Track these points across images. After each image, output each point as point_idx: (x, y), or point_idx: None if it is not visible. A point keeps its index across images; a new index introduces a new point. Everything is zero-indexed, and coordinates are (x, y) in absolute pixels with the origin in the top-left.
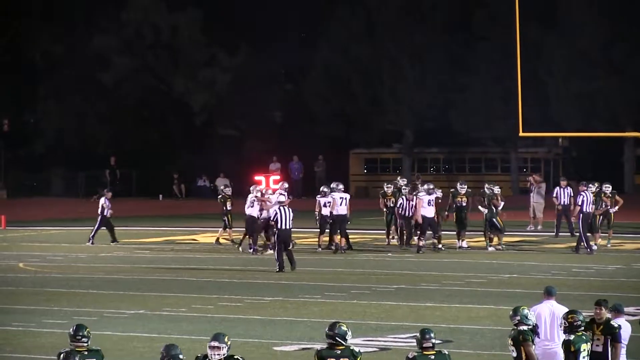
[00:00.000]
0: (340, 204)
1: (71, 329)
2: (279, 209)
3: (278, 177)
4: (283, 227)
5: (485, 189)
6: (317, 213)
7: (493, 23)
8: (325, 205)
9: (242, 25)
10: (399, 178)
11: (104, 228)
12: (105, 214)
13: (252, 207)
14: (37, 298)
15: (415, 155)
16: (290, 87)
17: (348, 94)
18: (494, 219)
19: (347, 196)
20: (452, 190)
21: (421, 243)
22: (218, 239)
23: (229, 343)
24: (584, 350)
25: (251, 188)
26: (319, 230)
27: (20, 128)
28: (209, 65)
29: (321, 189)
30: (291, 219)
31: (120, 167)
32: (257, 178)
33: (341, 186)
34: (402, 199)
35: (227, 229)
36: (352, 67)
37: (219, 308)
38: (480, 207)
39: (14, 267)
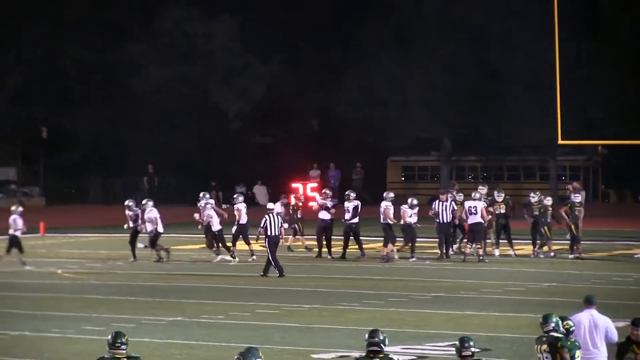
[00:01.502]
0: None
1: (110, 336)
2: (268, 215)
3: (316, 185)
4: (272, 233)
5: (530, 198)
6: (343, 221)
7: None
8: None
9: (276, 32)
10: (479, 187)
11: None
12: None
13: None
14: (76, 305)
15: (453, 163)
16: (325, 94)
17: (381, 102)
18: (544, 227)
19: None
20: (489, 198)
21: (467, 250)
22: (290, 246)
23: None
24: (578, 357)
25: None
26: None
27: (58, 135)
28: (243, 73)
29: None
30: (280, 225)
31: (158, 174)
32: (294, 185)
33: (353, 194)
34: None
35: (298, 236)
36: (382, 76)
37: (256, 315)
38: (526, 215)
39: (52, 274)
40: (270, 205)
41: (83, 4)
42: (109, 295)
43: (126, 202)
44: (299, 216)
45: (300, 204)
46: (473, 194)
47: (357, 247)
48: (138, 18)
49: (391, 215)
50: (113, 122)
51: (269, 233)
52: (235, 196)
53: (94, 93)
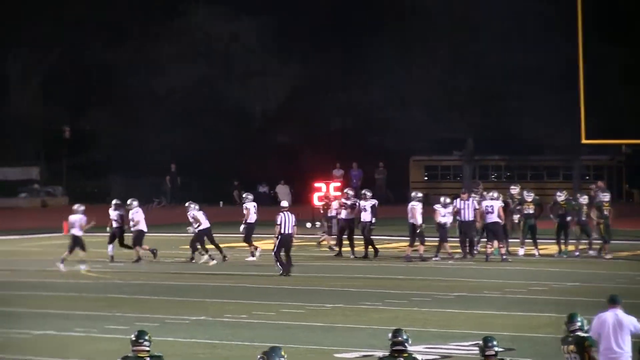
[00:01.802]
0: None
1: (133, 335)
2: (283, 213)
3: (339, 184)
4: (285, 231)
5: (557, 197)
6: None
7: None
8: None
9: (299, 32)
10: (511, 187)
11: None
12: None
13: None
14: (99, 304)
15: (476, 162)
16: (348, 94)
17: (403, 102)
18: (578, 226)
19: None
20: (518, 197)
21: (489, 250)
22: (320, 242)
23: None
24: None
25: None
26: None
27: (80, 135)
28: (266, 72)
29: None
30: (293, 224)
31: (180, 174)
32: (317, 185)
33: (369, 193)
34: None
35: (326, 235)
36: (405, 76)
37: (280, 315)
38: (552, 215)
39: (76, 273)
40: (284, 204)
41: (103, 5)
42: (132, 295)
43: (113, 202)
44: (330, 215)
45: (332, 203)
46: (489, 194)
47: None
48: (159, 18)
49: (417, 215)
50: (135, 121)
51: (282, 231)
52: (244, 195)
53: (116, 93)
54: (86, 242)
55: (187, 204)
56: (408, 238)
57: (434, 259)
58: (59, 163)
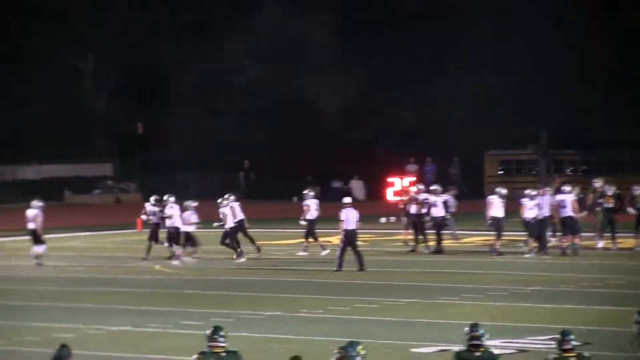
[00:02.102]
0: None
1: (208, 331)
2: (346, 210)
3: (413, 179)
4: (349, 227)
5: (633, 190)
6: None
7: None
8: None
9: (373, 27)
10: (593, 180)
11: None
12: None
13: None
14: (174, 300)
15: (551, 156)
16: (421, 88)
17: (476, 95)
18: None
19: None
20: (600, 191)
21: (564, 244)
22: (405, 240)
23: None
24: None
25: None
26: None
27: (154, 131)
28: (340, 68)
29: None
30: (357, 219)
31: (254, 170)
32: (390, 180)
33: (440, 189)
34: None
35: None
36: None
37: (355, 309)
38: (629, 209)
39: (150, 269)
40: (346, 200)
41: (178, 2)
42: (206, 290)
43: (151, 198)
44: (413, 211)
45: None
46: (562, 188)
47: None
48: (233, 14)
49: (492, 209)
50: (209, 118)
51: (345, 227)
52: (305, 192)
53: (191, 89)
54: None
55: (219, 200)
56: (482, 232)
57: (525, 255)
58: (133, 159)
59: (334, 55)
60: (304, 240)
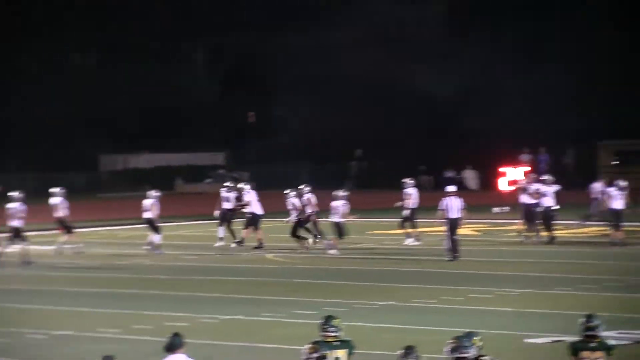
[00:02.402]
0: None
1: (321, 320)
2: (448, 198)
3: (527, 169)
4: (452, 215)
5: None
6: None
7: None
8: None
9: (485, 13)
10: None
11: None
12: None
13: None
14: (286, 289)
15: None
16: (532, 76)
17: (591, 83)
18: None
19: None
20: None
21: None
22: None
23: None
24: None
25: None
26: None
27: (266, 120)
28: (452, 55)
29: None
30: (460, 208)
31: (366, 159)
32: (503, 169)
33: (551, 179)
34: None
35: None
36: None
37: (469, 300)
38: None
39: (262, 259)
40: (450, 188)
41: None
42: (319, 280)
43: (225, 184)
44: (525, 201)
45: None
46: None
47: (553, 230)
48: (345, 2)
49: (610, 201)
50: (321, 107)
51: (448, 215)
52: (405, 181)
53: (303, 78)
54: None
55: (286, 191)
56: (595, 223)
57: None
58: (245, 148)
59: (448, 42)
60: (405, 229)
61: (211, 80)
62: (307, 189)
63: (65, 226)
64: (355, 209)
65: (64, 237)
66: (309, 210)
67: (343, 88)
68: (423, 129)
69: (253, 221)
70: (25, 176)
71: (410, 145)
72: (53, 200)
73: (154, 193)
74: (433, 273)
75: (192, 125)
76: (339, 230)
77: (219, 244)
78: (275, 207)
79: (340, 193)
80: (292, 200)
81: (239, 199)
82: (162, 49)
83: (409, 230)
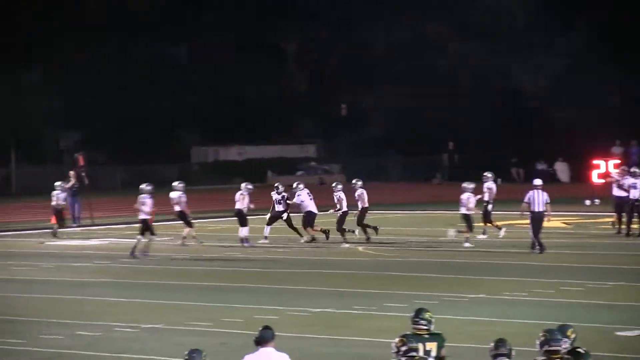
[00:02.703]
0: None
1: (412, 313)
2: (533, 191)
3: (618, 161)
4: (536, 209)
5: None
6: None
7: None
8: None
9: (579, 6)
10: None
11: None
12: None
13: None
14: (378, 282)
15: None
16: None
17: None
18: None
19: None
20: None
21: None
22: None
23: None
24: None
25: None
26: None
27: (358, 112)
28: (544, 48)
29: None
30: (545, 201)
31: (459, 151)
32: (595, 162)
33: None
34: None
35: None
36: None
37: (559, 292)
38: None
39: (353, 251)
40: (537, 182)
41: None
42: (410, 272)
43: (276, 185)
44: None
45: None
46: None
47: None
48: None
49: None
50: (412, 99)
51: (533, 209)
52: (485, 174)
53: (395, 70)
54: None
55: (333, 184)
56: None
57: None
58: (336, 141)
59: (538, 35)
60: (488, 224)
61: (302, 72)
62: (359, 183)
63: (185, 220)
64: (447, 201)
65: (186, 231)
66: (360, 205)
67: (434, 80)
68: (515, 120)
69: (309, 220)
70: (115, 169)
71: (502, 138)
72: (173, 194)
73: (246, 185)
74: (523, 265)
75: (283, 118)
76: (468, 222)
77: (262, 241)
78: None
79: (469, 185)
80: (339, 193)
81: (288, 199)
82: (253, 41)
83: (487, 224)
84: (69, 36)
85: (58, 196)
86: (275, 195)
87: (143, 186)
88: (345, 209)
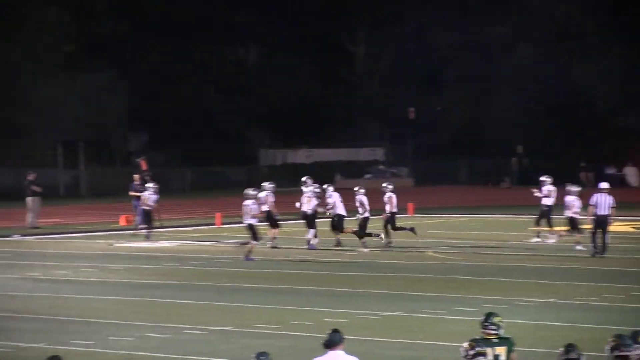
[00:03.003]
0: None
1: (482, 317)
2: (599, 195)
3: None
4: (601, 212)
5: None
6: None
7: None
8: None
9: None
10: None
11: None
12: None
13: None
14: (447, 285)
15: None
16: None
17: None
18: None
19: None
20: None
21: None
22: None
23: None
24: None
25: None
26: None
27: (427, 115)
28: (614, 53)
29: None
30: (610, 205)
31: (527, 155)
32: None
33: None
34: None
35: None
36: None
37: (630, 298)
38: None
39: (423, 255)
40: (603, 185)
41: None
42: (479, 276)
43: (303, 179)
44: None
45: None
46: None
47: None
48: None
49: None
50: (480, 102)
51: (597, 212)
52: (543, 179)
53: (463, 73)
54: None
55: (356, 188)
56: None
57: None
58: (404, 144)
59: (601, 39)
60: (546, 228)
61: (373, 75)
62: (390, 187)
63: (272, 220)
64: (517, 205)
65: (273, 231)
66: (387, 208)
67: (503, 83)
68: (584, 123)
69: (339, 223)
70: (184, 170)
71: (571, 141)
72: (261, 194)
73: (313, 188)
74: (593, 270)
75: (353, 120)
76: (573, 225)
77: (314, 241)
78: (435, 202)
79: (573, 188)
80: (360, 197)
81: (322, 199)
82: (322, 43)
83: (543, 229)
84: (139, 37)
85: (149, 197)
86: (310, 195)
87: (248, 191)
88: (368, 214)
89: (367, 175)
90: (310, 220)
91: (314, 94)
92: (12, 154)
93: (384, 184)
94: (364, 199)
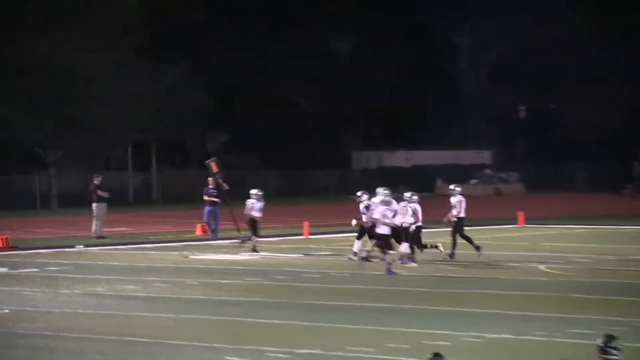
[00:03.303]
0: None
1: (599, 340)
2: None
3: None
4: None
5: None
6: None
7: None
8: None
9: None
10: None
11: None
12: None
13: None
14: (561, 305)
15: None
16: None
17: None
18: None
19: None
20: None
21: None
22: None
23: None
24: None
25: None
26: None
27: (539, 115)
28: None
29: None
30: None
31: None
32: None
33: None
34: None
35: None
36: None
37: None
38: None
39: (534, 270)
40: None
41: None
42: (598, 295)
43: (358, 193)
44: None
45: None
46: None
47: None
48: None
49: None
50: (597, 102)
51: None
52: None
53: (576, 72)
54: None
55: (409, 195)
56: None
57: None
58: (514, 146)
59: None
60: None
61: (479, 72)
62: (415, 197)
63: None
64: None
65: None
66: (454, 212)
67: (622, 80)
68: None
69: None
70: (269, 174)
71: None
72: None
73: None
74: None
75: (458, 121)
76: None
77: (355, 257)
78: (548, 211)
79: None
80: (415, 205)
81: (367, 209)
82: (422, 32)
83: None
84: (216, 26)
85: (253, 205)
86: (362, 207)
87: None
88: (420, 222)
89: (473, 181)
90: (401, 235)
91: (413, 89)
92: (78, 155)
93: (451, 187)
94: (418, 207)
